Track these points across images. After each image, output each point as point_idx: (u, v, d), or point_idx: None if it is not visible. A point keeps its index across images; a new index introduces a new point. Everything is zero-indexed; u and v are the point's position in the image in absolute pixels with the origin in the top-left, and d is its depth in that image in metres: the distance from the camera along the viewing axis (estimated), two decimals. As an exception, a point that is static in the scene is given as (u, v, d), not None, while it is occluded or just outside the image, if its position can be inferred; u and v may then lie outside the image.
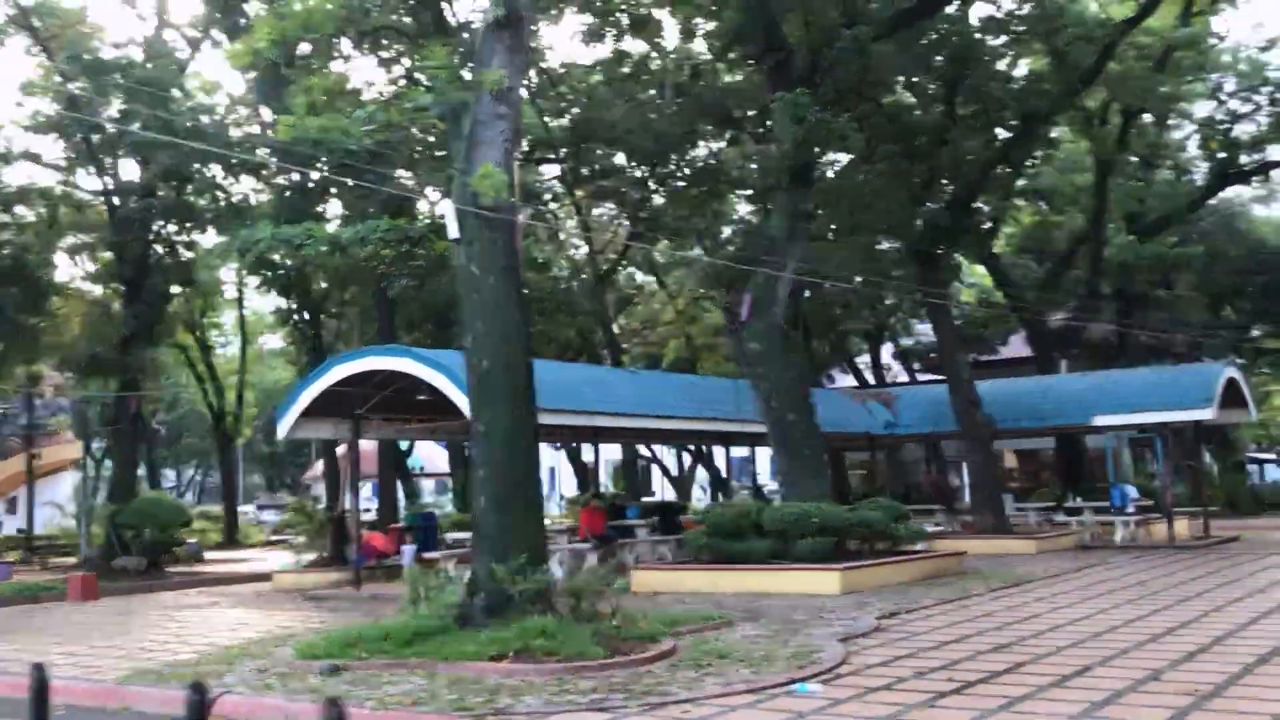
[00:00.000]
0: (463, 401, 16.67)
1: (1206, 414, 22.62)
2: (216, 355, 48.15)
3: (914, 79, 23.92)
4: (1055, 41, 22.04)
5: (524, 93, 26.94)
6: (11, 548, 33.88)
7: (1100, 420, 24.38)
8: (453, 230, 13.16)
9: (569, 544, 20.25)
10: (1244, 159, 35.77)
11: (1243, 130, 36.81)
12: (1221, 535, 24.61)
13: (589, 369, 24.64)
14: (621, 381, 21.01)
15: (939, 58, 23.23)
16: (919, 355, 43.67)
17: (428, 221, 20.91)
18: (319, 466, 57.77)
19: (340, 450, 26.55)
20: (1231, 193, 40.62)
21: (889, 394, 28.72)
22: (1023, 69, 24.87)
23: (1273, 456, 57.70)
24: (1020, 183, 27.17)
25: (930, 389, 29.25)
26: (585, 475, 52.20)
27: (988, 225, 27.49)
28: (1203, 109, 37.27)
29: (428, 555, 21.97)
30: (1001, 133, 23.73)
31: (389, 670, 10.38)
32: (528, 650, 10.48)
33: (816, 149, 18.63)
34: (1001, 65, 24.21)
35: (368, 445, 53.00)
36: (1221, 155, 35.40)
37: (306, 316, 25.61)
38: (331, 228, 23.16)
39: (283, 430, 18.92)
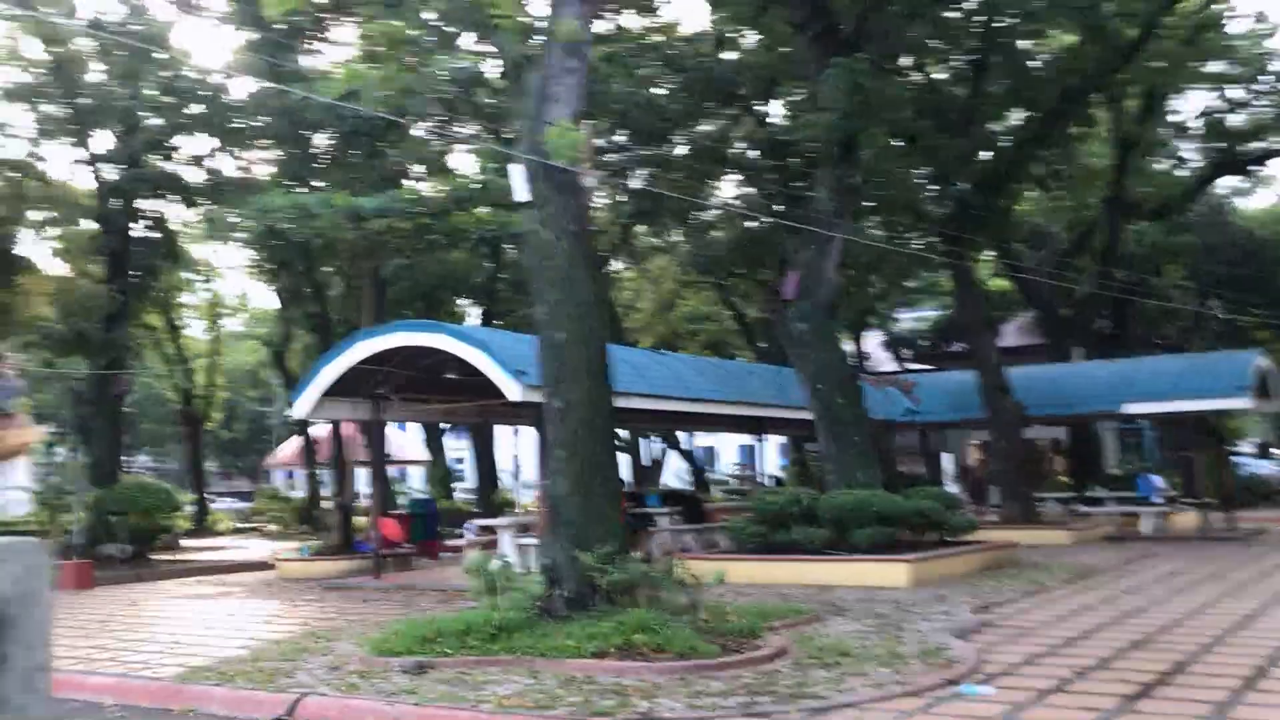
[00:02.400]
0: (504, 380, 15.74)
1: (1243, 402, 22.19)
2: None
3: (946, 54, 23.23)
4: (1093, 16, 21.39)
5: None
6: (-26, 533, 32.29)
7: (1131, 408, 23.88)
8: (522, 193, 12.20)
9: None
10: (1240, 148, 35.53)
11: (1240, 119, 36.65)
12: (1247, 527, 24.22)
13: (618, 348, 23.62)
14: (651, 363, 20.08)
15: (970, 32, 22.55)
16: (910, 343, 43.19)
17: (445, 191, 19.78)
18: (281, 453, 56.24)
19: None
20: (1216, 183, 40.50)
21: (908, 380, 28.04)
22: (1057, 46, 24.18)
23: (1248, 449, 58.01)
24: (1052, 164, 26.50)
25: (947, 375, 28.63)
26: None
27: (1008, 207, 26.81)
28: (1202, 95, 37.07)
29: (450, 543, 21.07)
30: (1033, 111, 23.06)
31: (480, 668, 9.43)
32: (630, 646, 9.60)
33: (867, 119, 17.80)
34: (1033, 42, 23.54)
35: (346, 431, 51.67)
36: (1221, 144, 35.10)
37: (311, 293, 24.27)
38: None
39: (301, 410, 17.77)
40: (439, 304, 33.96)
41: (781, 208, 28.27)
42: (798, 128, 19.01)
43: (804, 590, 14.64)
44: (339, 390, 18.07)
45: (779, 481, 24.76)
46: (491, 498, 36.22)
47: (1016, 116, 24.51)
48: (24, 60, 29.08)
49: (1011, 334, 39.82)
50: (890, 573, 14.82)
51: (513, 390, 15.54)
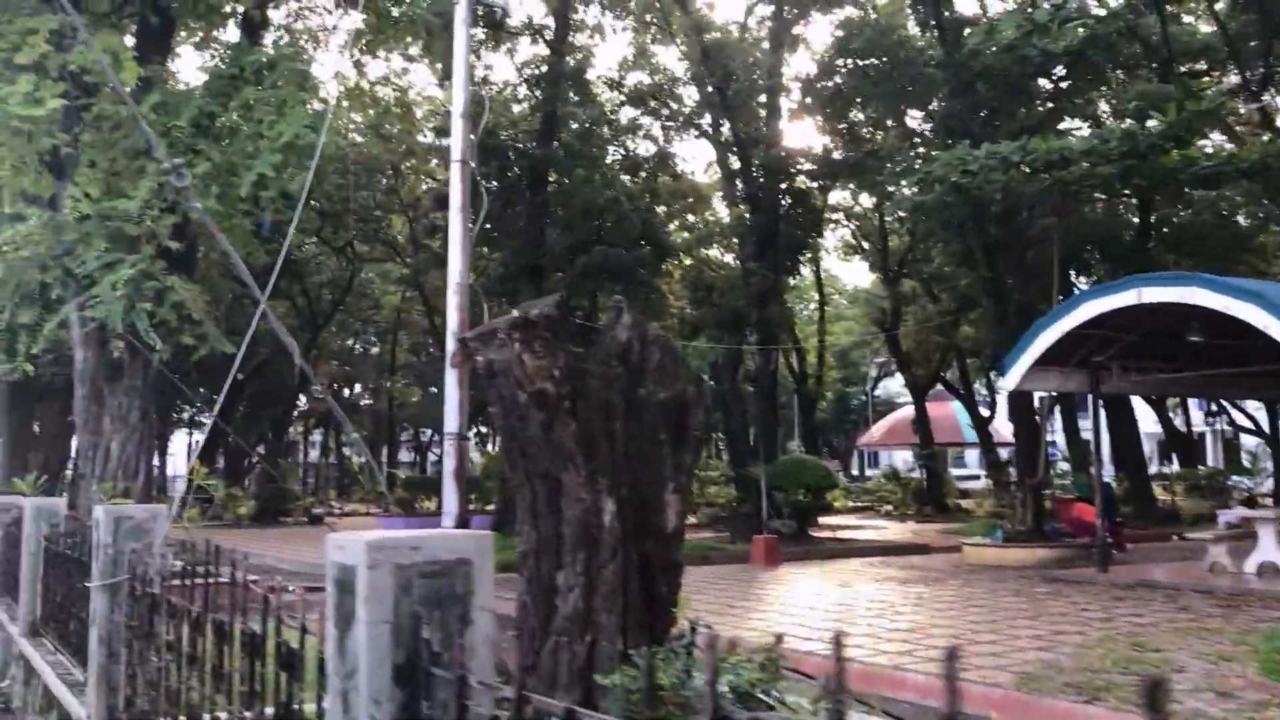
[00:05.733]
0: (1293, 339, 12.74)
1: None
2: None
3: None
4: None
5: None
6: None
7: None
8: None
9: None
10: None
11: None
12: None
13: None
14: None
15: None
16: None
17: (1161, 127, 16.93)
18: (874, 432, 55.49)
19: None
20: None
21: None
22: None
23: None
24: None
25: None
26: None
27: None
28: None
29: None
30: None
31: None
32: None
33: None
34: None
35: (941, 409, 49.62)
36: None
37: (984, 258, 22.46)
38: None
39: (1012, 381, 16.00)
40: (1069, 269, 30.73)
41: None
42: None
43: None
44: (1046, 359, 16.08)
45: None
46: (1140, 483, 32.31)
47: None
48: (651, 65, 30.74)
49: None
50: None
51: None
